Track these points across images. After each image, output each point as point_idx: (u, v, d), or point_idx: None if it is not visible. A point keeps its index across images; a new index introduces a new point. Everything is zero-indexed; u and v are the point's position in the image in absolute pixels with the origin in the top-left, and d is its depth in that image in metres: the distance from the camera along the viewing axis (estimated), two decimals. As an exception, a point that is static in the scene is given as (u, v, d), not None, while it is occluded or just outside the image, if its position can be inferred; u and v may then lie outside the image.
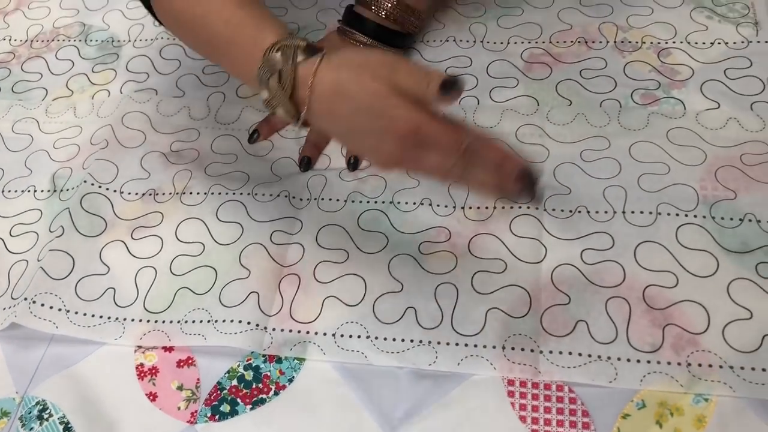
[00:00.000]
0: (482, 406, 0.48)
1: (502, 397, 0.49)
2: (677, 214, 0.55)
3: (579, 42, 0.69)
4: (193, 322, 0.54)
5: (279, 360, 0.52)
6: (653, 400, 0.47)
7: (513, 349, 0.50)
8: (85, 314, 0.55)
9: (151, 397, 0.52)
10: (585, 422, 0.47)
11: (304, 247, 0.58)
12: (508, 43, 0.71)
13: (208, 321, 0.54)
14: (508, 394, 0.49)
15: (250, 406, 0.50)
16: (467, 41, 0.72)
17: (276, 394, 0.51)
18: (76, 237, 0.59)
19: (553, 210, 0.57)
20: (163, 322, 0.55)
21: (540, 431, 0.47)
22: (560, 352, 0.50)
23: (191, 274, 0.57)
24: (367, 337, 0.52)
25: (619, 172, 0.58)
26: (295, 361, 0.52)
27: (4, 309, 0.56)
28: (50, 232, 0.60)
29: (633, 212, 0.56)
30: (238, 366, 0.52)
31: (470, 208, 0.58)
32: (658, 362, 0.48)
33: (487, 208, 0.58)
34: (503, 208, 0.57)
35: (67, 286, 0.57)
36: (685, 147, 0.59)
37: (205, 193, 0.62)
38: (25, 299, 0.55)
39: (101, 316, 0.55)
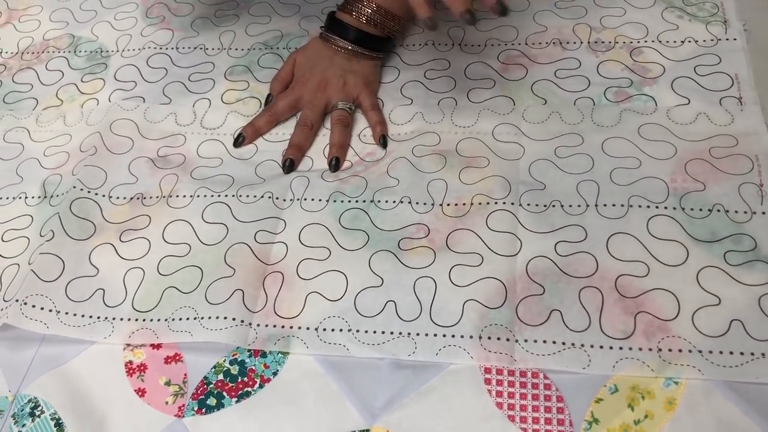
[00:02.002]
0: (460, 394, 0.50)
1: (479, 385, 0.50)
2: (648, 206, 0.57)
3: (554, 43, 0.71)
4: (180, 319, 0.56)
5: (264, 354, 0.54)
6: (625, 384, 0.49)
7: (489, 338, 0.52)
8: (75, 314, 0.57)
9: (140, 393, 0.53)
10: (560, 407, 0.48)
11: (288, 245, 0.59)
12: (485, 45, 0.72)
13: (195, 318, 0.55)
14: (485, 381, 0.50)
15: (236, 399, 0.52)
16: (446, 44, 0.73)
17: (261, 387, 0.52)
18: (66, 240, 0.61)
19: (528, 205, 0.58)
20: (151, 320, 0.56)
21: (516, 417, 0.48)
22: (535, 341, 0.51)
23: (178, 273, 0.58)
24: (349, 330, 0.54)
25: (592, 167, 0.60)
26: (279, 355, 0.53)
27: (-2, 311, 0.58)
28: (41, 236, 0.62)
29: (605, 205, 0.57)
30: (224, 361, 0.54)
31: (448, 205, 0.59)
32: (630, 348, 0.50)
33: (464, 204, 0.59)
34: (480, 204, 0.59)
35: (58, 287, 0.58)
36: (656, 142, 0.61)
37: (191, 196, 0.63)
38: (17, 301, 0.57)
39: (91, 316, 0.57)
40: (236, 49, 0.77)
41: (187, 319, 0.55)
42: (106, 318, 0.57)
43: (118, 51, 0.79)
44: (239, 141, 0.68)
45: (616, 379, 0.49)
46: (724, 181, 0.57)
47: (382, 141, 0.65)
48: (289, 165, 0.65)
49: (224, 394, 0.52)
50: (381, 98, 0.70)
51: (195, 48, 0.78)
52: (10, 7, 0.88)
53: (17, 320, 0.56)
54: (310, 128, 0.67)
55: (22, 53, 0.81)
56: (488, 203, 0.59)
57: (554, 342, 0.51)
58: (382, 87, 0.71)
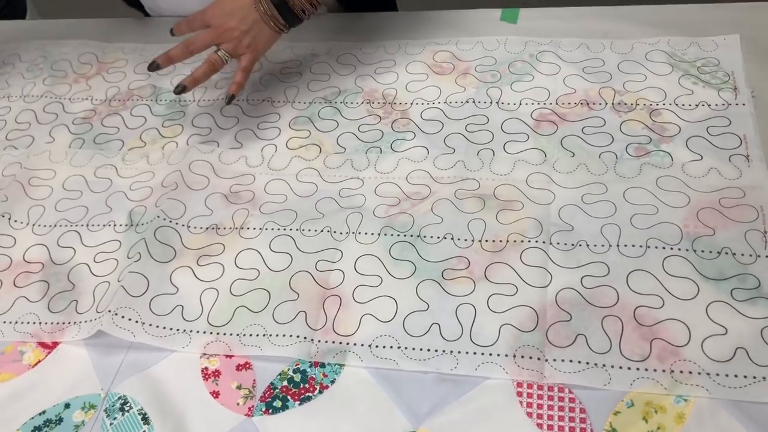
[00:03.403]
0: (495, 403, 0.56)
1: (512, 396, 0.56)
2: (664, 248, 0.63)
3: (582, 103, 0.79)
4: (251, 335, 0.63)
5: (323, 365, 0.60)
6: (640, 400, 0.55)
7: (522, 357, 0.58)
8: (157, 326, 0.64)
9: (214, 395, 0.60)
10: (582, 418, 0.54)
11: (344, 273, 0.66)
12: (520, 104, 0.80)
13: (264, 335, 0.62)
14: (517, 394, 0.56)
15: (299, 402, 0.58)
16: (485, 102, 0.81)
17: (320, 392, 0.59)
18: (150, 262, 0.69)
19: (558, 243, 0.65)
20: (225, 334, 0.63)
21: (544, 425, 0.54)
22: (562, 360, 0.57)
23: (248, 295, 0.66)
24: (398, 347, 0.60)
25: (615, 212, 0.67)
26: (336, 366, 0.60)
27: (91, 320, 0.65)
28: (128, 258, 0.69)
29: (626, 245, 0.64)
30: (288, 370, 0.60)
31: (486, 241, 0.67)
32: (646, 369, 0.56)
33: (501, 241, 0.66)
34: (515, 241, 0.66)
35: (143, 302, 0.65)
36: (671, 192, 0.68)
37: (261, 229, 0.71)
38: (109, 311, 0.64)
39: (171, 328, 0.64)
40: (299, 102, 0.86)
41: (257, 335, 0.62)
42: (184, 330, 0.64)
43: (194, 101, 0.88)
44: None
45: (633, 395, 0.55)
46: (732, 227, 0.64)
47: (228, 99, 0.79)
48: (182, 88, 0.78)
49: (288, 397, 0.59)
50: (426, 147, 0.77)
51: (263, 100, 0.87)
52: (100, 60, 0.98)
53: (109, 328, 0.63)
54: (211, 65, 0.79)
55: (110, 100, 0.91)
56: (522, 241, 0.66)
57: (579, 362, 0.57)
58: (427, 137, 0.78)
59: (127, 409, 0.59)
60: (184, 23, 0.81)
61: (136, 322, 0.64)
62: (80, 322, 0.65)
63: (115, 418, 0.59)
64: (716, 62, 0.80)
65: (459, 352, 0.59)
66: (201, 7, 0.79)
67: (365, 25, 0.95)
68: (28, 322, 0.66)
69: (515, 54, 0.87)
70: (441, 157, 0.76)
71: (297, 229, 0.70)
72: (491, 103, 0.81)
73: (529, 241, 0.66)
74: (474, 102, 0.81)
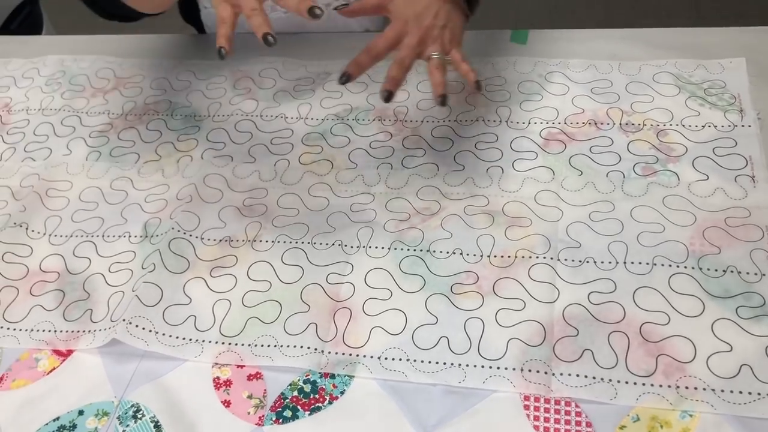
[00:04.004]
0: (502, 416, 0.57)
1: (519, 409, 0.57)
2: (670, 265, 0.64)
3: (589, 123, 0.80)
4: (262, 346, 0.63)
5: (333, 376, 0.61)
6: (646, 414, 0.55)
7: (530, 371, 0.59)
8: (170, 336, 0.65)
9: (226, 404, 0.60)
10: (588, 431, 0.55)
11: (355, 286, 0.67)
12: (529, 123, 0.81)
13: (275, 346, 0.63)
14: (524, 407, 0.57)
15: (309, 412, 0.59)
16: (494, 121, 0.82)
17: (330, 403, 0.60)
18: (164, 273, 0.70)
19: (566, 260, 0.66)
20: (236, 344, 0.64)
21: None
22: (569, 374, 0.58)
23: (260, 306, 0.66)
24: (407, 359, 0.61)
25: (622, 230, 0.68)
26: (346, 377, 0.61)
27: (106, 329, 0.66)
28: (143, 268, 0.71)
29: (633, 263, 0.65)
30: (299, 380, 0.61)
31: (495, 256, 0.67)
32: (652, 385, 0.56)
33: (509, 257, 0.67)
34: (523, 257, 0.67)
35: (157, 312, 0.66)
36: (677, 211, 0.69)
37: (273, 241, 0.72)
38: (123, 320, 0.65)
39: (184, 338, 0.65)
40: (312, 119, 0.87)
41: (269, 345, 0.63)
42: (196, 340, 0.65)
43: (209, 116, 0.90)
44: (344, 79, 0.73)
45: (639, 410, 0.55)
46: (738, 246, 0.65)
47: (477, 85, 0.74)
48: (387, 93, 0.72)
49: (298, 407, 0.60)
50: (436, 163, 0.78)
51: (276, 116, 0.88)
52: (117, 76, 0.99)
53: (123, 336, 0.64)
54: (407, 68, 0.73)
55: (126, 115, 0.92)
56: (530, 257, 0.67)
57: (586, 376, 0.58)
58: (437, 154, 0.80)
59: (139, 416, 0.60)
60: (357, 6, 0.76)
61: (150, 331, 0.65)
62: (95, 331, 0.66)
63: (127, 426, 0.60)
64: (722, 84, 0.81)
65: (467, 365, 0.60)
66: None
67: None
68: (43, 330, 0.67)
69: (524, 74, 0.88)
70: (451, 173, 0.77)
71: (309, 243, 0.71)
72: (500, 121, 0.82)
73: (537, 257, 0.66)
74: (483, 120, 0.83)
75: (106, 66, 1.02)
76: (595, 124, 0.80)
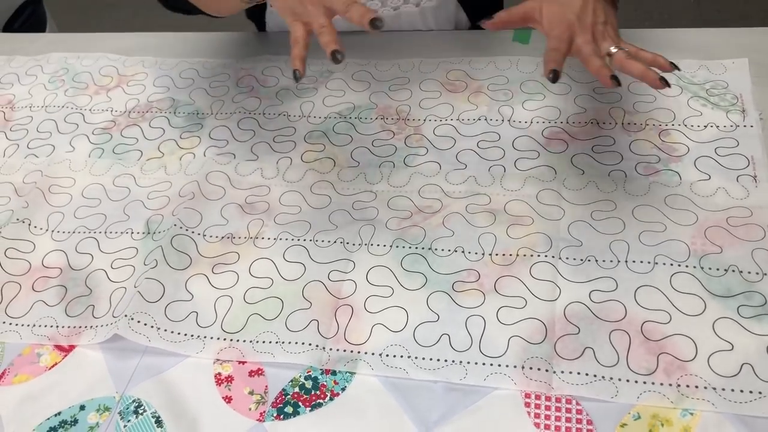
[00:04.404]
0: (503, 413, 0.57)
1: (520, 406, 0.57)
2: (671, 264, 0.64)
3: (592, 123, 0.80)
4: (264, 342, 0.63)
5: (334, 373, 0.61)
6: (647, 412, 0.55)
7: (531, 368, 0.59)
8: (172, 332, 0.65)
9: (227, 400, 0.61)
10: (589, 429, 0.55)
11: (356, 283, 0.67)
12: (531, 122, 0.82)
13: (276, 342, 0.63)
14: (525, 404, 0.57)
15: (310, 408, 0.59)
16: (497, 120, 0.82)
17: (331, 399, 0.59)
18: (166, 269, 0.70)
19: (567, 258, 0.66)
20: (238, 341, 0.64)
21: None
22: (570, 372, 0.58)
23: (261, 303, 0.67)
24: (408, 356, 0.61)
25: (623, 229, 0.68)
26: (347, 374, 0.61)
27: (107, 325, 0.66)
28: (145, 264, 0.71)
29: (634, 261, 0.65)
30: (300, 376, 0.61)
31: (496, 255, 0.68)
32: (653, 383, 0.56)
33: (511, 255, 0.67)
34: (524, 256, 0.67)
35: (159, 308, 0.67)
36: (679, 210, 0.69)
37: (275, 239, 0.72)
38: (125, 316, 0.65)
39: (185, 334, 0.65)
40: (314, 117, 0.87)
41: (270, 342, 0.63)
42: (198, 336, 0.65)
43: (212, 114, 0.90)
44: (553, 76, 0.66)
45: (640, 408, 0.55)
46: (739, 246, 0.64)
47: (674, 66, 0.67)
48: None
49: (300, 404, 0.60)
50: (438, 162, 0.79)
51: (279, 114, 0.88)
52: (120, 73, 1.00)
53: (125, 332, 0.64)
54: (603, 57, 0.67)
55: (129, 112, 0.93)
56: (532, 255, 0.67)
57: (587, 374, 0.58)
58: (439, 152, 0.80)
59: (140, 412, 0.60)
60: (504, 15, 0.71)
61: (152, 327, 0.65)
62: (96, 326, 0.66)
63: (129, 421, 0.60)
64: (725, 85, 0.81)
65: (468, 363, 0.60)
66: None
67: (380, 44, 0.97)
68: (45, 326, 0.67)
69: (527, 73, 0.88)
70: (453, 172, 0.77)
71: (311, 240, 0.71)
72: (503, 120, 0.82)
73: (539, 256, 0.66)
74: (486, 119, 0.83)
75: (110, 63, 1.02)
76: (598, 123, 0.80)
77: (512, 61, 0.90)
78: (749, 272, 0.62)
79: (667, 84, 0.64)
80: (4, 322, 0.68)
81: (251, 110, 0.89)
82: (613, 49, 0.67)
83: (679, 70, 0.67)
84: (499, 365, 0.59)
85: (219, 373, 0.62)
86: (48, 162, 0.86)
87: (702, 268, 0.63)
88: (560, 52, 0.67)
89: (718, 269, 0.63)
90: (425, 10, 0.96)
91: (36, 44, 1.09)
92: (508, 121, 0.82)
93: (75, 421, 0.60)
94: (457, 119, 0.84)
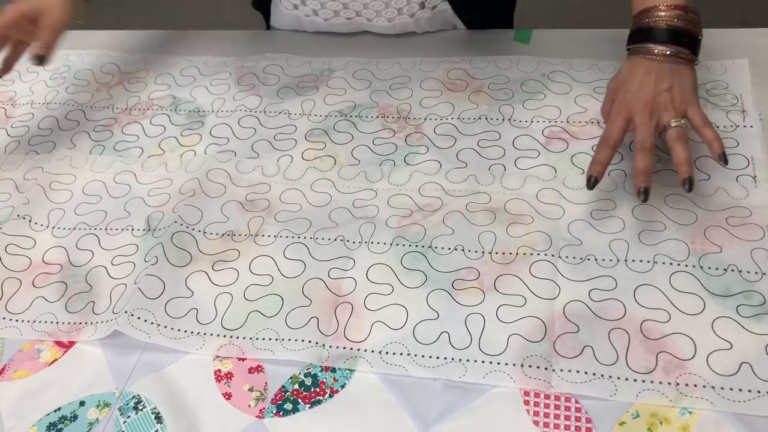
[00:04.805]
0: (503, 411, 0.57)
1: (519, 404, 0.57)
2: (671, 263, 0.64)
3: (592, 122, 0.80)
4: (263, 339, 0.64)
5: (333, 370, 0.61)
6: (646, 411, 0.55)
7: (530, 366, 0.59)
8: (172, 328, 0.65)
9: (227, 396, 0.61)
10: (588, 428, 0.55)
11: (356, 281, 0.67)
12: (532, 121, 0.82)
13: (276, 339, 0.63)
14: (524, 402, 0.57)
15: (309, 405, 0.59)
16: (497, 119, 0.83)
17: (331, 396, 0.60)
18: (167, 266, 0.70)
19: (567, 257, 0.66)
20: (238, 338, 0.64)
21: None
22: (569, 370, 0.58)
23: (261, 300, 0.67)
24: (408, 354, 0.61)
25: (623, 228, 0.68)
26: (347, 371, 0.61)
27: (108, 321, 0.66)
28: (145, 261, 0.71)
29: (634, 260, 0.65)
30: (300, 373, 0.61)
31: (496, 253, 0.68)
32: (652, 381, 0.56)
33: (510, 253, 0.67)
34: (524, 254, 0.67)
35: (159, 304, 0.67)
36: (679, 210, 0.69)
37: (275, 236, 0.72)
38: (125, 312, 0.65)
39: (185, 331, 0.65)
40: (315, 115, 0.87)
41: (270, 339, 0.64)
42: (198, 333, 0.65)
43: (213, 111, 0.90)
44: (592, 183, 0.66)
45: (638, 407, 0.55)
46: (738, 245, 0.65)
47: (723, 158, 0.64)
48: (645, 192, 0.64)
49: (299, 400, 0.60)
50: (438, 161, 0.79)
51: (280, 113, 0.88)
52: (122, 71, 1.00)
53: (125, 328, 0.64)
54: (651, 150, 0.65)
55: (131, 109, 0.93)
56: (532, 254, 0.67)
57: (586, 372, 0.58)
58: (440, 151, 0.80)
59: (140, 408, 0.60)
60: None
61: (152, 323, 0.65)
62: (96, 323, 0.66)
63: (128, 417, 0.60)
64: (725, 85, 0.81)
65: (468, 360, 0.60)
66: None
67: (381, 44, 0.97)
68: (45, 322, 0.68)
69: (528, 73, 0.88)
70: (453, 171, 0.77)
71: (311, 238, 0.71)
72: (503, 119, 0.82)
73: (539, 254, 0.67)
74: (486, 118, 0.83)
75: (111, 61, 1.02)
76: (598, 123, 0.80)
77: (513, 61, 0.90)
78: (748, 272, 0.62)
79: (725, 161, 0.64)
80: (4, 318, 0.68)
81: (252, 108, 0.89)
82: (672, 123, 0.64)
83: (725, 165, 0.65)
84: (499, 363, 0.59)
85: (219, 370, 0.63)
86: (49, 159, 0.86)
87: (701, 267, 0.63)
88: (606, 146, 0.66)
89: (717, 268, 0.63)
90: (420, 20, 0.96)
91: (37, 41, 1.09)
92: (509, 120, 0.82)
93: (75, 417, 0.60)
94: (458, 118, 0.84)
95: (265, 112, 0.89)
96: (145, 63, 1.01)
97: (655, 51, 0.66)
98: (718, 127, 0.76)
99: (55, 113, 0.93)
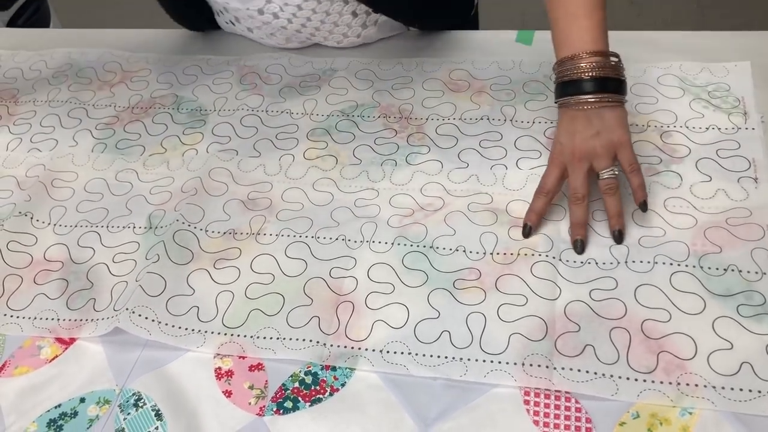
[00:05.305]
0: (503, 410, 0.57)
1: (519, 404, 0.57)
2: (671, 264, 0.64)
3: (593, 123, 0.80)
4: (265, 338, 0.63)
5: (334, 368, 0.61)
6: (646, 411, 0.55)
7: (531, 365, 0.59)
8: (173, 326, 0.65)
9: (227, 394, 0.61)
10: (588, 428, 0.55)
11: (358, 280, 0.67)
12: (534, 122, 0.82)
13: (278, 338, 0.63)
14: (524, 402, 0.57)
15: (309, 403, 0.59)
16: (499, 119, 0.82)
17: (331, 395, 0.60)
18: (168, 264, 0.70)
19: (567, 261, 0.66)
20: (239, 336, 0.64)
21: None
22: (570, 369, 0.58)
23: (263, 298, 0.67)
24: (409, 353, 0.61)
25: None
26: (347, 369, 0.61)
27: (109, 318, 0.66)
28: (146, 259, 0.71)
29: (634, 261, 0.65)
30: (300, 372, 0.61)
31: (498, 253, 0.67)
32: (653, 381, 0.56)
33: (512, 254, 0.67)
34: (525, 255, 0.67)
35: (160, 302, 0.67)
36: (679, 214, 0.68)
37: (277, 235, 0.72)
38: (126, 309, 0.65)
39: (186, 328, 0.65)
40: (317, 115, 0.87)
41: (271, 338, 0.63)
42: (199, 331, 0.65)
43: (215, 110, 0.90)
44: (527, 231, 0.68)
45: (639, 407, 0.55)
46: (739, 245, 0.64)
47: (644, 207, 0.67)
48: (581, 245, 0.66)
49: (299, 399, 0.60)
50: (440, 161, 0.79)
51: (282, 112, 0.88)
52: (124, 69, 1.00)
53: (126, 325, 0.64)
54: (584, 199, 0.67)
55: (133, 108, 0.93)
56: (533, 254, 0.67)
57: (587, 371, 0.58)
58: (441, 151, 0.80)
59: (140, 404, 0.60)
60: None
61: (153, 321, 0.65)
62: (97, 320, 0.66)
63: (128, 414, 0.60)
64: (727, 87, 0.81)
65: (469, 360, 0.60)
66: None
67: (383, 44, 0.98)
68: (46, 318, 0.68)
69: (530, 74, 0.88)
70: (455, 170, 0.77)
71: (312, 237, 0.71)
72: (505, 120, 0.82)
73: (540, 255, 0.67)
74: (488, 119, 0.83)
75: (114, 59, 1.02)
76: (599, 124, 0.80)
77: (515, 62, 0.91)
78: (749, 272, 0.62)
79: (644, 209, 0.67)
80: (5, 315, 0.68)
81: (254, 107, 0.89)
82: (604, 175, 0.67)
83: (644, 212, 0.68)
84: (500, 362, 0.59)
85: (219, 368, 0.63)
86: (51, 156, 0.86)
87: (701, 267, 0.63)
88: (541, 195, 0.69)
89: (717, 269, 0.63)
90: (368, 37, 0.96)
91: (40, 40, 1.09)
92: (511, 120, 0.82)
93: (75, 414, 0.60)
94: (460, 118, 0.84)
95: (267, 111, 0.89)
96: (147, 62, 1.01)
97: (581, 100, 0.67)
98: (719, 129, 0.76)
99: (58, 111, 0.93)
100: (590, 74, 0.67)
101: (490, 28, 0.99)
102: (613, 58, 0.68)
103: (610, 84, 0.67)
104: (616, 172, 0.67)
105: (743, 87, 0.81)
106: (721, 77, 0.83)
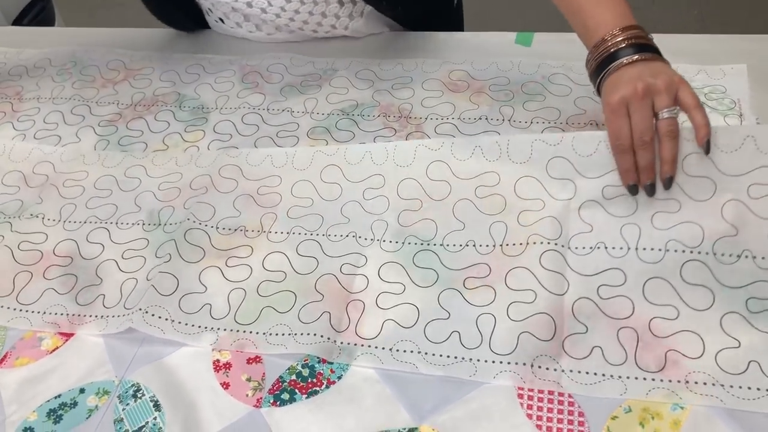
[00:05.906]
0: (497, 403, 0.56)
1: (513, 398, 0.56)
2: (683, 251, 0.62)
3: (591, 124, 0.79)
4: (277, 334, 0.62)
5: (330, 362, 0.62)
6: (638, 406, 0.54)
7: (540, 367, 0.57)
8: (186, 324, 0.64)
9: (225, 386, 0.59)
10: (581, 421, 0.54)
11: (368, 278, 0.65)
12: (532, 122, 0.81)
13: (289, 334, 0.62)
14: (518, 396, 0.57)
15: (306, 395, 0.58)
16: (497, 119, 0.82)
17: (327, 387, 0.59)
18: (180, 262, 0.68)
19: (576, 248, 0.64)
20: (251, 332, 0.63)
21: (543, 427, 0.54)
22: (579, 371, 0.57)
23: (274, 296, 0.65)
24: (419, 352, 0.60)
25: (635, 210, 0.65)
26: (344, 363, 0.62)
27: (120, 316, 0.64)
28: (157, 257, 0.69)
29: (645, 249, 0.63)
30: (297, 365, 0.60)
31: (507, 245, 0.66)
32: (661, 380, 0.55)
33: (521, 244, 0.66)
34: (534, 243, 0.65)
35: (172, 300, 0.65)
36: (697, 178, 0.64)
37: (288, 233, 0.71)
38: (140, 309, 0.64)
39: (199, 326, 0.63)
40: (318, 113, 0.87)
41: (283, 334, 0.62)
42: (212, 328, 0.63)
43: (217, 108, 0.89)
44: (649, 188, 0.65)
45: (630, 401, 0.55)
46: (755, 225, 0.61)
47: (706, 147, 0.62)
48: (651, 188, 0.64)
49: (296, 391, 0.59)
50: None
51: (283, 110, 0.88)
52: (127, 67, 0.99)
53: (140, 325, 0.63)
54: (651, 143, 0.63)
55: (135, 105, 0.92)
56: (542, 242, 0.65)
57: (595, 373, 0.56)
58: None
59: (139, 396, 0.60)
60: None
61: (166, 319, 0.64)
62: (107, 317, 0.65)
63: (127, 404, 0.60)
64: (723, 89, 0.81)
65: (478, 360, 0.59)
66: None
67: (384, 44, 0.98)
68: (55, 313, 0.66)
69: (528, 75, 0.89)
70: (458, 144, 0.74)
71: (323, 234, 0.70)
72: (503, 120, 0.82)
73: (549, 243, 0.65)
74: (487, 119, 0.82)
75: (117, 58, 1.02)
76: (597, 124, 0.79)
77: (514, 63, 0.91)
78: (763, 258, 0.60)
79: (707, 150, 0.63)
80: (15, 309, 0.68)
81: (255, 105, 0.89)
82: (665, 114, 0.63)
83: (707, 154, 0.63)
84: (509, 363, 0.58)
85: (217, 360, 0.62)
86: (60, 157, 0.84)
87: (714, 254, 0.61)
88: (626, 156, 0.65)
89: (731, 255, 0.61)
90: (356, 31, 0.97)
91: (45, 38, 1.09)
92: (509, 120, 0.82)
93: (74, 404, 0.60)
94: (458, 118, 0.83)
95: (268, 109, 0.89)
96: (150, 60, 1.00)
97: (626, 62, 0.64)
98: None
99: (61, 108, 0.93)
100: (628, 42, 0.64)
101: (490, 29, 0.99)
102: (644, 31, 0.66)
103: (649, 49, 0.64)
104: (677, 113, 0.62)
105: (739, 89, 0.80)
106: (717, 79, 0.83)
